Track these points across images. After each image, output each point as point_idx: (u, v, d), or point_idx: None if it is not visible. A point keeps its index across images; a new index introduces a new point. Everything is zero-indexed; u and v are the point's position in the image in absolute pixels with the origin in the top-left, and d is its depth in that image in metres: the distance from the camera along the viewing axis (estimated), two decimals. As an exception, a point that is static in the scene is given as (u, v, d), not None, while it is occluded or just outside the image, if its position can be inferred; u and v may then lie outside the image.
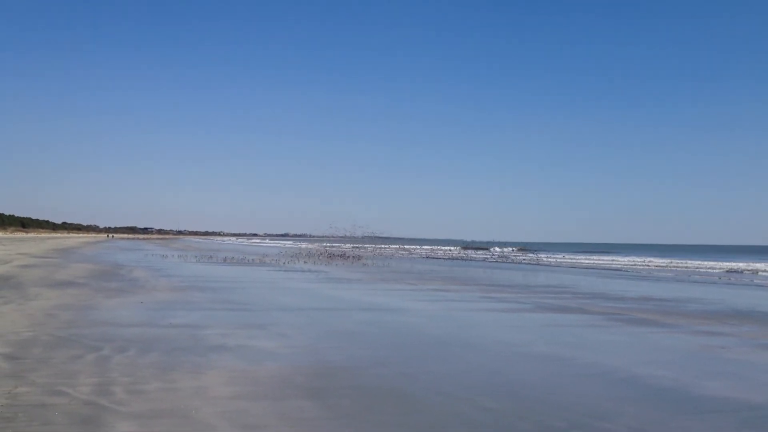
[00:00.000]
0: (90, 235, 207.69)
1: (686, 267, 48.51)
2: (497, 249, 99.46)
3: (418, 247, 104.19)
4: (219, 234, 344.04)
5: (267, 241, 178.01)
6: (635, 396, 7.06)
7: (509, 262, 55.19)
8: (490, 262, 56.53)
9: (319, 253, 54.81)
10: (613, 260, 60.96)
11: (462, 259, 62.51)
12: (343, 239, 57.15)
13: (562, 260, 60.50)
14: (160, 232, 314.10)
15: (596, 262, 57.07)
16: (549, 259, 61.71)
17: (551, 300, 18.40)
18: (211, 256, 46.02)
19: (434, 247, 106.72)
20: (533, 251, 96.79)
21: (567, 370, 8.42)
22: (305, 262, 40.44)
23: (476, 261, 57.60)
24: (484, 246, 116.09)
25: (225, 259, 41.41)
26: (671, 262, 53.88)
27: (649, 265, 50.90)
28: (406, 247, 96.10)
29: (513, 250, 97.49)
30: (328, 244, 55.91)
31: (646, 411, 6.39)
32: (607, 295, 20.69)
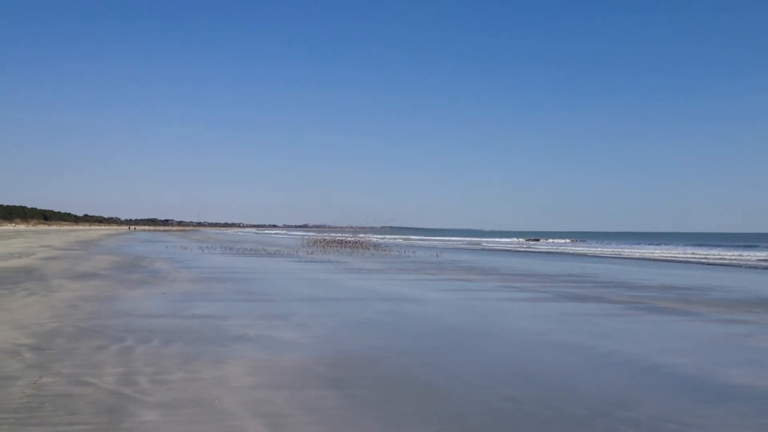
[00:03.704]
0: (111, 227, 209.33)
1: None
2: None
3: (443, 238, 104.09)
4: (238, 225, 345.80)
5: (286, 232, 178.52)
6: (657, 384, 7.02)
7: (542, 253, 54.95)
8: (520, 252, 56.33)
9: (338, 243, 54.87)
10: (658, 252, 60.16)
11: (488, 250, 62.33)
12: (363, 230, 57.13)
13: (602, 252, 59.97)
14: (180, 224, 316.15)
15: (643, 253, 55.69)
16: (593, 251, 60.96)
17: (572, 289, 18.32)
18: (230, 248, 46.25)
19: (457, 238, 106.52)
20: (581, 241, 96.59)
21: (588, 358, 8.39)
22: (324, 253, 40.52)
23: (500, 251, 57.40)
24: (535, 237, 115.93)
25: (245, 251, 41.60)
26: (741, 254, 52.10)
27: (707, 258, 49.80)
28: (433, 238, 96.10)
29: (567, 242, 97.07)
30: (348, 235, 55.86)
31: (668, 399, 6.35)
32: (628, 284, 20.57)
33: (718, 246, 73.97)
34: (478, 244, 79.85)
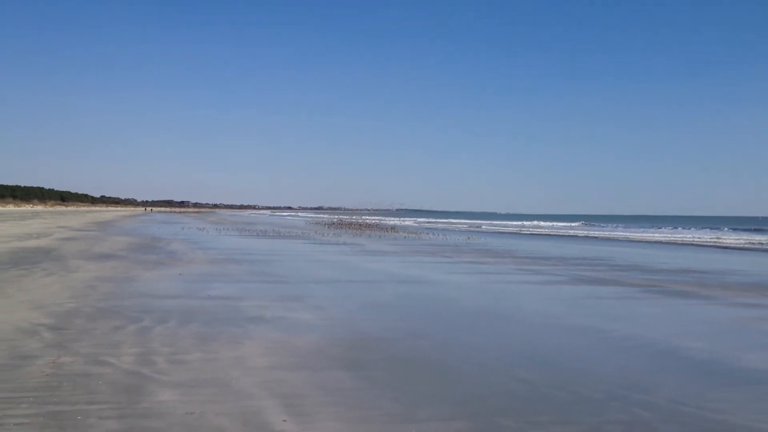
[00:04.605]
0: (128, 208, 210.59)
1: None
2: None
3: (458, 221, 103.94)
4: (254, 207, 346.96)
5: (301, 214, 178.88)
6: (673, 368, 7.00)
7: (557, 236, 54.80)
8: (535, 235, 56.17)
9: (353, 225, 54.93)
10: (670, 235, 59.71)
11: (499, 232, 62.20)
12: (378, 212, 57.17)
13: (614, 235, 59.71)
14: (196, 205, 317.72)
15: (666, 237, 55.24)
16: (606, 234, 60.68)
17: (588, 272, 18.27)
18: (246, 229, 46.41)
19: (472, 221, 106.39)
20: (591, 224, 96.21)
21: (604, 342, 8.37)
22: (339, 235, 40.58)
23: (515, 234, 57.26)
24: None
25: (260, 232, 41.74)
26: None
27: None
28: (453, 221, 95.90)
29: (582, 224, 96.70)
30: (363, 218, 55.86)
31: (684, 383, 6.34)
32: (644, 267, 20.48)
33: (733, 230, 73.43)
34: (495, 227, 79.63)
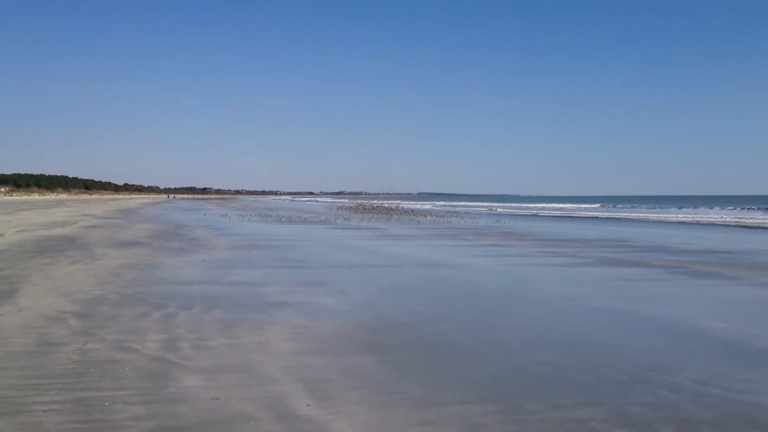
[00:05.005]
0: (151, 195, 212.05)
1: None
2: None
3: (478, 204, 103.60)
4: (276, 193, 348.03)
5: (323, 199, 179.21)
6: (699, 349, 6.95)
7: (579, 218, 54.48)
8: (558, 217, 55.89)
9: (374, 210, 54.93)
10: (692, 216, 59.03)
11: (518, 215, 61.92)
12: (399, 196, 57.14)
13: (637, 216, 59.25)
14: (218, 192, 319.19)
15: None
16: (628, 215, 60.22)
17: (611, 254, 18.14)
18: (268, 215, 46.60)
19: (493, 204, 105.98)
20: (612, 205, 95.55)
21: (628, 323, 8.32)
22: (361, 220, 40.61)
23: (532, 216, 56.98)
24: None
25: (282, 218, 41.89)
26: None
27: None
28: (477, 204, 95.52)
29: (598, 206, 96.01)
30: (384, 202, 55.80)
31: (709, 364, 6.29)
32: (668, 248, 20.31)
33: (757, 209, 72.48)
34: (516, 209, 79.28)
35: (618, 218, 50.86)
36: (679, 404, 5.08)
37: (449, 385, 5.51)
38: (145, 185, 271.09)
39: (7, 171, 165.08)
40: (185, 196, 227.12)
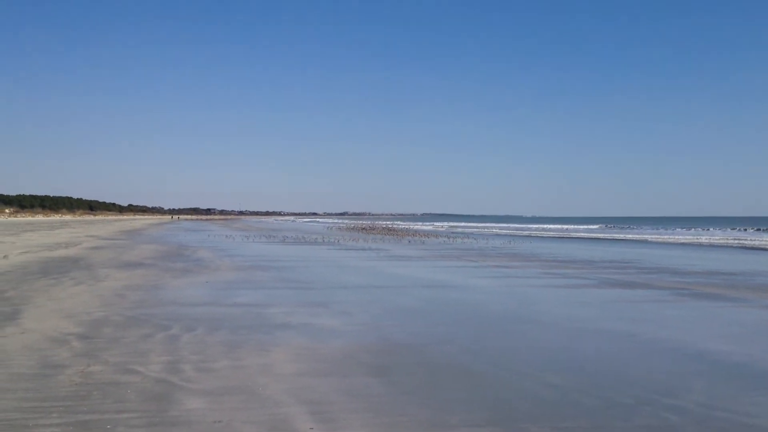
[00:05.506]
0: (155, 216, 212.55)
1: None
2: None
3: (484, 225, 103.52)
4: (279, 214, 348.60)
5: (326, 220, 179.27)
6: (704, 371, 6.90)
7: (575, 238, 54.41)
8: (562, 238, 55.81)
9: (378, 230, 54.92)
10: (695, 237, 58.87)
11: (521, 235, 61.85)
12: (403, 217, 57.24)
13: (640, 237, 59.10)
14: (222, 212, 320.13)
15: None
16: (630, 236, 60.06)
17: (616, 275, 18.09)
18: (272, 236, 46.61)
19: (497, 224, 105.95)
20: (612, 226, 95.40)
21: (633, 345, 8.27)
22: (365, 241, 40.58)
23: (540, 237, 56.92)
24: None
25: (286, 239, 41.88)
26: None
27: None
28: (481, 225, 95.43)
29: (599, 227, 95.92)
30: (388, 222, 55.85)
31: (715, 387, 6.24)
32: (673, 270, 20.24)
33: (757, 230, 72.26)
34: (520, 230, 79.24)
35: (621, 239, 50.78)
36: (684, 427, 5.03)
37: (454, 407, 5.48)
38: (150, 206, 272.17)
39: (12, 192, 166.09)
40: (189, 216, 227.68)
